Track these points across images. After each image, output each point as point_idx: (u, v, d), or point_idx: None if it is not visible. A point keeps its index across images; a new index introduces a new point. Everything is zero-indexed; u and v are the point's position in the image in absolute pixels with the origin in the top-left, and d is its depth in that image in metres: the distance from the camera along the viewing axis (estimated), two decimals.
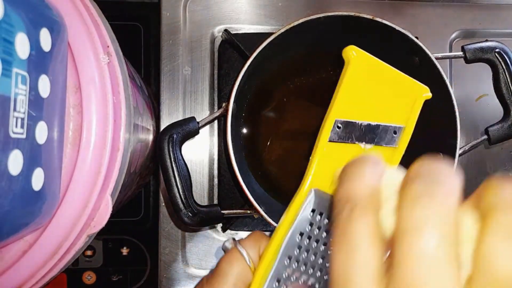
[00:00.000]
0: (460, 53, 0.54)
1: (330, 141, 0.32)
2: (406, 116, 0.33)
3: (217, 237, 0.61)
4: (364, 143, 0.32)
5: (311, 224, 0.31)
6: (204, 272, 0.61)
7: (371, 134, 0.33)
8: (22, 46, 0.26)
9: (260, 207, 0.48)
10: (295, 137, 0.57)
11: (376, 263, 0.21)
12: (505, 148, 0.66)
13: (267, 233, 0.33)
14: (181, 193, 0.49)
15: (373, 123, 0.33)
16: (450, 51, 0.64)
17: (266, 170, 0.56)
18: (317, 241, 0.31)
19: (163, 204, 0.60)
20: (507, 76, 0.52)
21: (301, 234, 0.31)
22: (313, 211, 0.31)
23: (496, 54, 0.52)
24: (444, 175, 0.21)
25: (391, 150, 0.33)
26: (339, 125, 0.32)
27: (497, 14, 0.65)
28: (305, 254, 0.31)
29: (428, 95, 0.34)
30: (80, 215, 0.32)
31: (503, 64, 0.52)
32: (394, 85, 0.33)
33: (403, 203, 0.21)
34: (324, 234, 0.31)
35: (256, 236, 0.33)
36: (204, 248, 0.61)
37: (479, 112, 0.65)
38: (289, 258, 0.31)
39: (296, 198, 0.31)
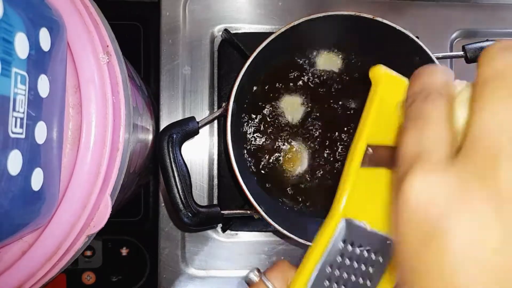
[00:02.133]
0: (461, 52, 0.54)
1: (361, 166, 0.29)
2: None
3: (217, 237, 0.61)
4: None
5: (341, 255, 0.30)
6: (203, 273, 0.60)
7: None
8: (21, 46, 0.26)
9: (260, 207, 0.48)
10: (295, 136, 0.57)
11: (450, 138, 0.21)
12: None
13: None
14: (180, 193, 0.49)
15: None
16: (451, 51, 0.64)
17: (266, 170, 0.56)
18: (347, 273, 0.30)
19: (163, 204, 0.60)
20: None
21: (331, 265, 0.30)
22: (343, 241, 0.30)
23: None
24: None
25: None
26: (370, 149, 0.29)
27: (498, 14, 0.65)
28: (335, 286, 0.30)
29: None
30: (79, 215, 0.32)
31: None
32: None
33: (481, 63, 0.21)
34: (356, 265, 0.30)
35: (283, 267, 0.32)
36: (204, 249, 0.61)
37: None
38: None
39: (326, 228, 0.30)
